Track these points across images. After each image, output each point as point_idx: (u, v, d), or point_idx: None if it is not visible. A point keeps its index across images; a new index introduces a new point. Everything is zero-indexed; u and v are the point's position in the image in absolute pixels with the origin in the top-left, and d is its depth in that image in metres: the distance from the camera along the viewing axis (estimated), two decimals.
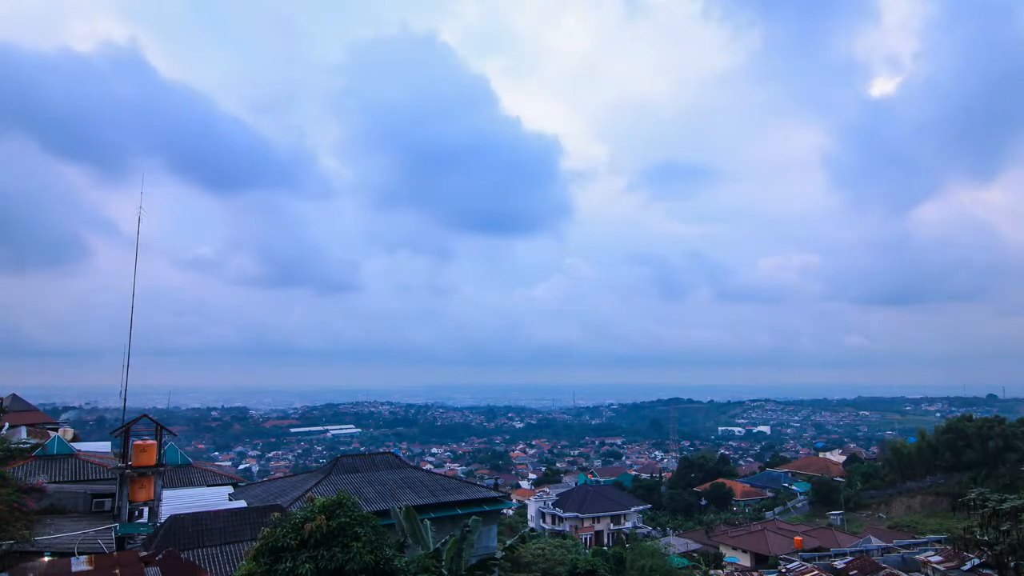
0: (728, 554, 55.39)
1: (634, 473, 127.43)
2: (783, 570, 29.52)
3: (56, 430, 38.16)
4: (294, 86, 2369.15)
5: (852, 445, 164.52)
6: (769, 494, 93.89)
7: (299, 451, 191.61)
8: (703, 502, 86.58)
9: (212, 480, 32.82)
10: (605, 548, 60.32)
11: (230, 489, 30.12)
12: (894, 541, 41.75)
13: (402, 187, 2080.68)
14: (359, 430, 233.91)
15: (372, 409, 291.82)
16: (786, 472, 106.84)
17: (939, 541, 36.72)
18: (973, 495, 25.49)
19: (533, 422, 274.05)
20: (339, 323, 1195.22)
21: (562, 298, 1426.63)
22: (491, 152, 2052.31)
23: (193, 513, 21.91)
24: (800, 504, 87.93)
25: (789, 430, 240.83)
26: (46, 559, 16.07)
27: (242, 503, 26.47)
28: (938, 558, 26.89)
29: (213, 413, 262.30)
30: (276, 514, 15.63)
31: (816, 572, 26.92)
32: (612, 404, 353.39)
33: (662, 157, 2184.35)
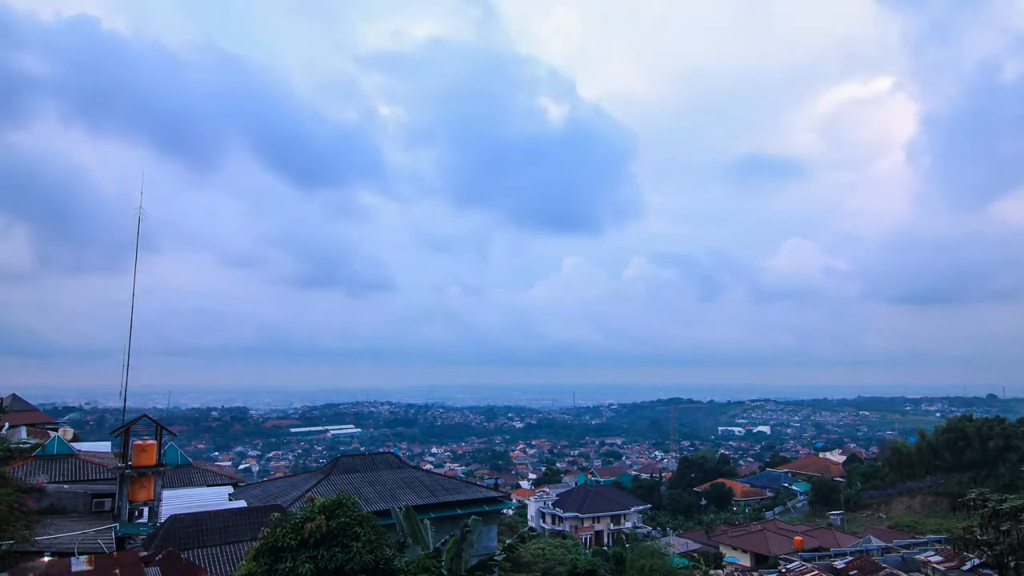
0: (728, 554, 55.41)
1: (634, 473, 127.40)
2: (783, 570, 29.55)
3: (56, 430, 38.20)
4: (338, 81, 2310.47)
5: (852, 445, 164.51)
6: (769, 494, 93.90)
7: (299, 451, 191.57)
8: (703, 502, 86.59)
9: (212, 480, 32.85)
10: (605, 548, 60.30)
11: (230, 489, 30.14)
12: (894, 541, 41.76)
13: (446, 181, 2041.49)
14: (359, 430, 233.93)
15: (372, 409, 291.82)
16: (786, 472, 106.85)
17: (939, 541, 36.77)
18: (973, 495, 25.49)
19: (533, 422, 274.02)
20: (350, 323, 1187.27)
21: (563, 298, 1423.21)
22: (547, 147, 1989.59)
23: (193, 513, 21.91)
24: (800, 504, 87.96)
25: (789, 430, 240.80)
26: (46, 559, 16.09)
27: (242, 503, 26.47)
28: (938, 558, 26.92)
29: (213, 413, 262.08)
30: (276, 514, 15.65)
31: (816, 572, 26.94)
32: (612, 404, 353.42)
33: (735, 151, 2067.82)
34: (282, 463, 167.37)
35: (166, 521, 21.43)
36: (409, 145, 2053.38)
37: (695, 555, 50.95)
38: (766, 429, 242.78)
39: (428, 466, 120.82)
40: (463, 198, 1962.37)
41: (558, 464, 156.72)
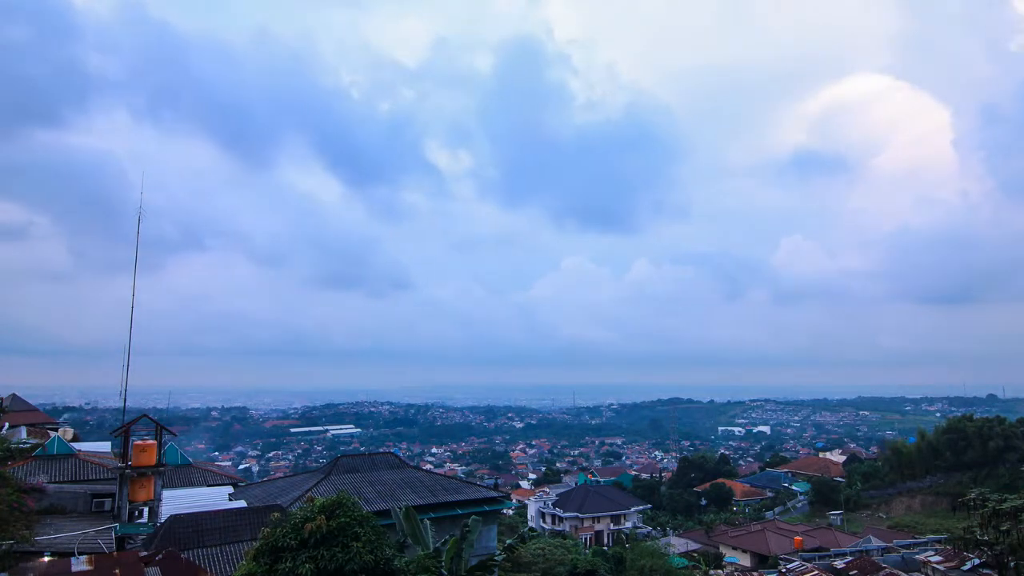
0: (728, 554, 55.42)
1: (634, 473, 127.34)
2: (783, 570, 29.56)
3: (56, 430, 38.20)
4: (375, 77, 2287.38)
5: (852, 445, 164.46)
6: (769, 494, 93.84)
7: (299, 451, 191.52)
8: (703, 502, 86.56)
9: (212, 480, 32.85)
10: (605, 548, 60.32)
11: (230, 489, 30.15)
12: (894, 541, 41.77)
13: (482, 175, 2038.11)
14: (359, 430, 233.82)
15: (372, 409, 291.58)
16: (786, 472, 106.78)
17: (939, 541, 36.75)
18: (973, 495, 25.51)
19: (533, 422, 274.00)
20: (357, 323, 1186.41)
21: (563, 298, 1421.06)
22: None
23: (193, 513, 21.92)
24: (800, 504, 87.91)
25: (789, 430, 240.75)
26: (46, 559, 16.10)
27: (242, 503, 26.48)
28: (938, 558, 26.92)
29: (213, 413, 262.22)
30: (276, 514, 15.64)
31: (816, 572, 26.95)
32: (612, 404, 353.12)
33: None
34: (282, 463, 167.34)
35: (166, 521, 21.44)
36: (445, 142, 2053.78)
37: (695, 555, 51.02)
38: (766, 429, 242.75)
39: (428, 466, 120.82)
40: (486, 195, 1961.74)
41: (558, 464, 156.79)
